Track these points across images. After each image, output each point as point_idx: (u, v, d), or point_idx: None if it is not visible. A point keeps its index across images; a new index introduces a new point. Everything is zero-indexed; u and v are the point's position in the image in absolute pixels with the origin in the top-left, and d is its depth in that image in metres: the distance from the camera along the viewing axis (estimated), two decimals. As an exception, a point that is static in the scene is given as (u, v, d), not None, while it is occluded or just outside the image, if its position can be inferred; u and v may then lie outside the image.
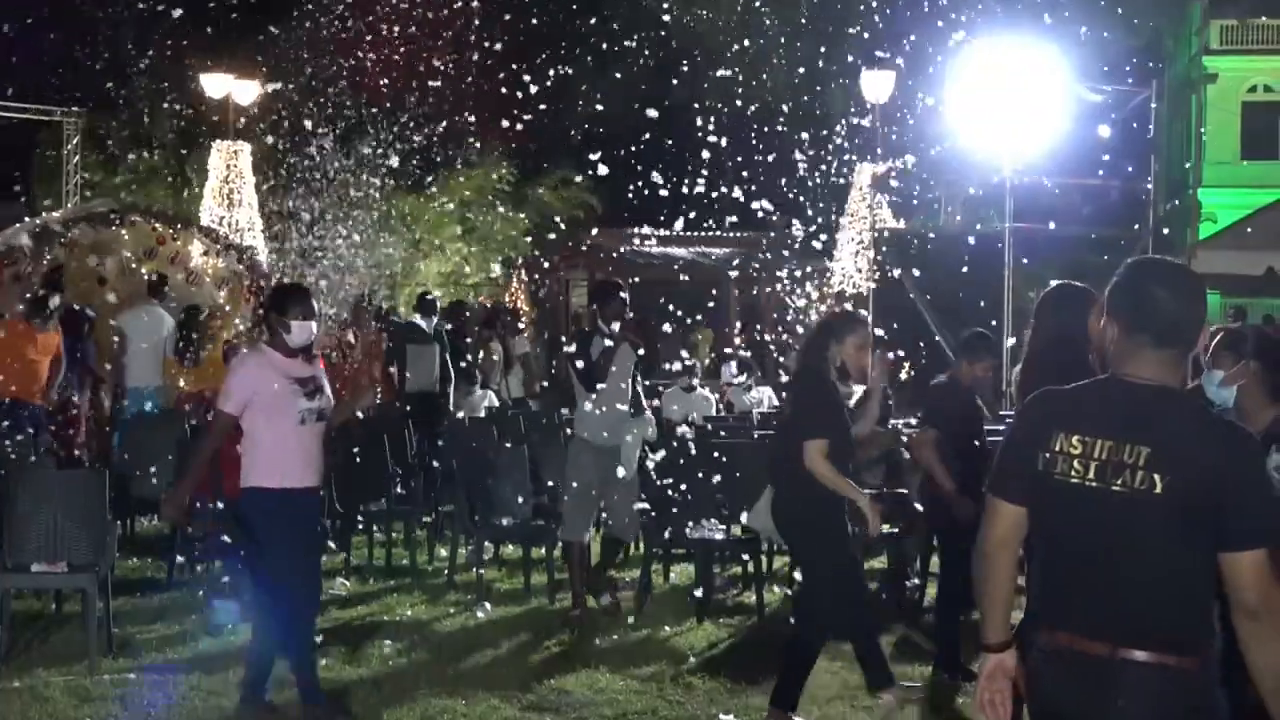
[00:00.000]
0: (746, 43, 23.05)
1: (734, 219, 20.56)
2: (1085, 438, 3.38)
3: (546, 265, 26.66)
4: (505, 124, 22.18)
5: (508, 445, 11.37)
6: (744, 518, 8.72)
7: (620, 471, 9.00)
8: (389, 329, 15.72)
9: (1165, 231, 21.49)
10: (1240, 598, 3.27)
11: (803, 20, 24.61)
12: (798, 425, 6.99)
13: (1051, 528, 3.49)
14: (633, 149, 20.84)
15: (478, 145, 26.23)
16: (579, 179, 27.82)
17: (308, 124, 22.44)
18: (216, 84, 24.25)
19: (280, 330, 6.83)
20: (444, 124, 24.84)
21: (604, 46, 22.02)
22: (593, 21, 23.30)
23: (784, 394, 9.66)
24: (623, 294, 9.28)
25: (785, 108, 22.46)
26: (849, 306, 20.73)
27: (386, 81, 25.34)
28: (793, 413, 7.34)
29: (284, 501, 6.76)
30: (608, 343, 8.93)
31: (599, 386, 8.81)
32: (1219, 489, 3.26)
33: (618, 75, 22.25)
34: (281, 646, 6.83)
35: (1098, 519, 3.36)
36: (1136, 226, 21.53)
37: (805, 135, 21.66)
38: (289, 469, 6.77)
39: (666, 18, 22.30)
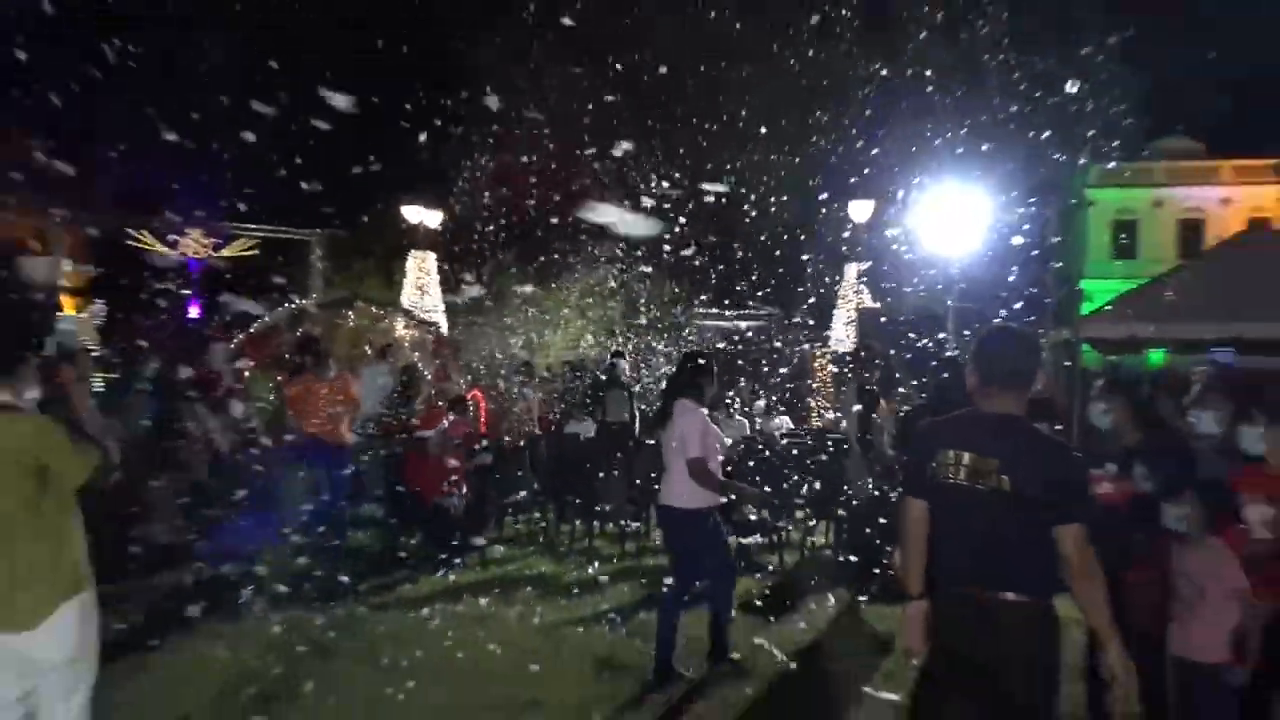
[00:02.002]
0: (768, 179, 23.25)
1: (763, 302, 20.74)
2: (957, 451, 3.46)
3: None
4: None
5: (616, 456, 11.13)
6: None
7: None
8: (594, 379, 14.69)
9: (1059, 308, 21.31)
10: (1066, 558, 3.32)
11: (814, 159, 24.76)
12: None
13: (943, 513, 3.54)
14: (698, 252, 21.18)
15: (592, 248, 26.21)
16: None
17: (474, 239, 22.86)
18: (412, 212, 24.77)
19: (707, 389, 6.38)
20: (568, 232, 25.04)
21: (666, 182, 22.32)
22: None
23: None
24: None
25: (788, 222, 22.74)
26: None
27: (529, 203, 25.74)
28: None
29: (717, 518, 6.37)
30: None
31: None
32: (1048, 485, 3.33)
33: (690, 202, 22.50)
34: (674, 629, 6.32)
35: (970, 507, 3.42)
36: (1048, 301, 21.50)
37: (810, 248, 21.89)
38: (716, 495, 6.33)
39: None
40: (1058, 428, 7.50)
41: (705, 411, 6.33)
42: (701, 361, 6.51)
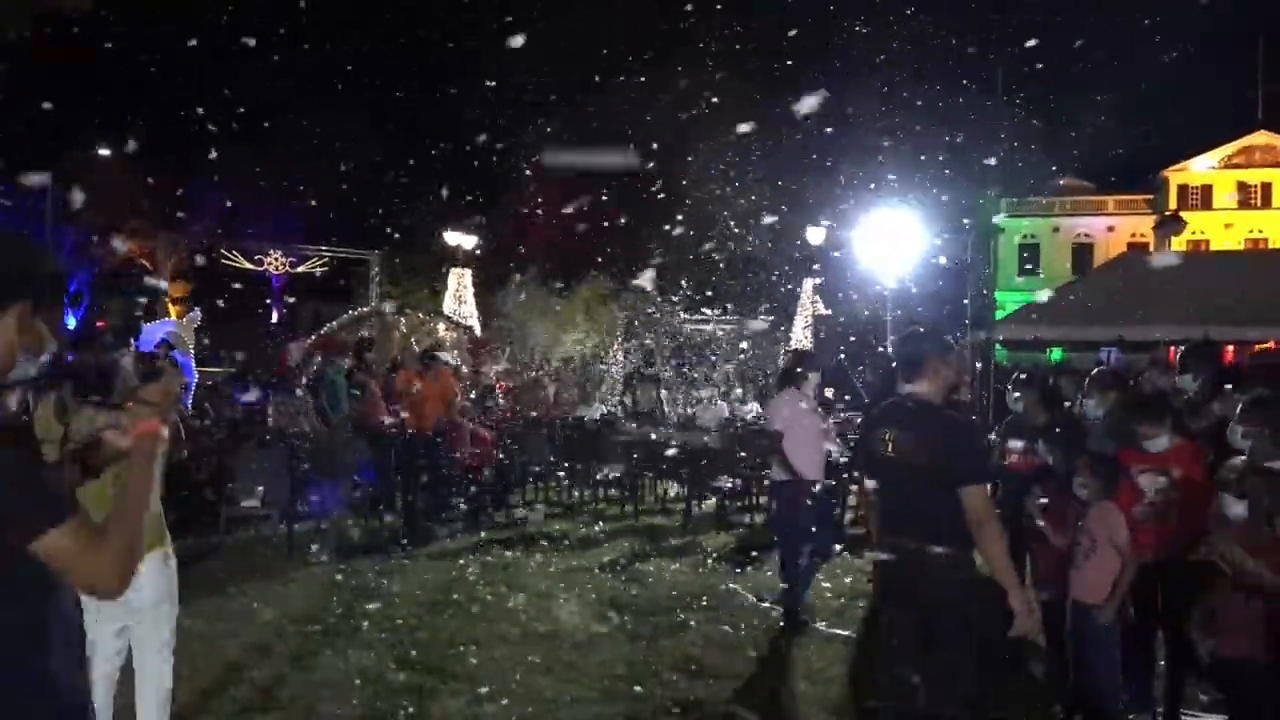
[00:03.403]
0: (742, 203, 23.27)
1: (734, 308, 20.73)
2: (887, 430, 3.46)
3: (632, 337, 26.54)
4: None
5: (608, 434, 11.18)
6: None
7: None
8: (634, 372, 14.53)
9: (977, 315, 21.34)
10: (970, 515, 3.26)
11: (781, 187, 24.70)
12: None
13: (882, 479, 3.56)
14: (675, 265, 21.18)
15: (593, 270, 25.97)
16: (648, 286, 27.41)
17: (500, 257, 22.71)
18: (452, 237, 24.72)
19: (802, 379, 6.06)
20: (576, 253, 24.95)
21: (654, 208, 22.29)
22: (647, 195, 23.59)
23: None
24: None
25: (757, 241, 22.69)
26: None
27: (543, 228, 25.70)
28: None
29: (799, 491, 5.94)
30: None
31: None
32: (951, 454, 3.31)
33: (667, 228, 22.50)
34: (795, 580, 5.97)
35: (899, 474, 3.43)
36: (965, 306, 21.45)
37: (775, 260, 21.79)
38: (817, 465, 6.00)
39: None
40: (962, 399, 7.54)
41: (803, 399, 6.03)
42: (801, 358, 6.37)
